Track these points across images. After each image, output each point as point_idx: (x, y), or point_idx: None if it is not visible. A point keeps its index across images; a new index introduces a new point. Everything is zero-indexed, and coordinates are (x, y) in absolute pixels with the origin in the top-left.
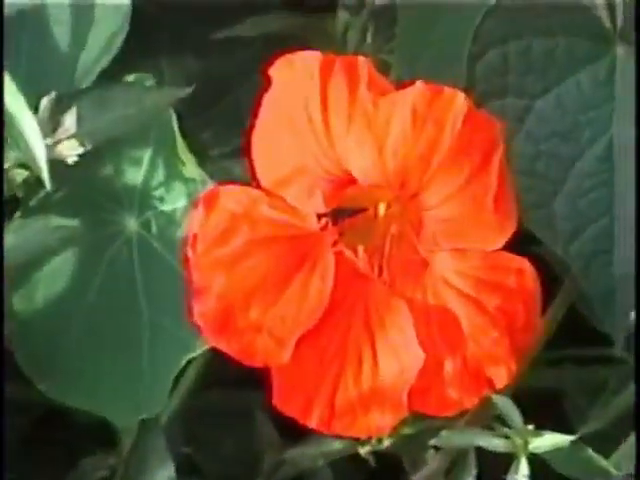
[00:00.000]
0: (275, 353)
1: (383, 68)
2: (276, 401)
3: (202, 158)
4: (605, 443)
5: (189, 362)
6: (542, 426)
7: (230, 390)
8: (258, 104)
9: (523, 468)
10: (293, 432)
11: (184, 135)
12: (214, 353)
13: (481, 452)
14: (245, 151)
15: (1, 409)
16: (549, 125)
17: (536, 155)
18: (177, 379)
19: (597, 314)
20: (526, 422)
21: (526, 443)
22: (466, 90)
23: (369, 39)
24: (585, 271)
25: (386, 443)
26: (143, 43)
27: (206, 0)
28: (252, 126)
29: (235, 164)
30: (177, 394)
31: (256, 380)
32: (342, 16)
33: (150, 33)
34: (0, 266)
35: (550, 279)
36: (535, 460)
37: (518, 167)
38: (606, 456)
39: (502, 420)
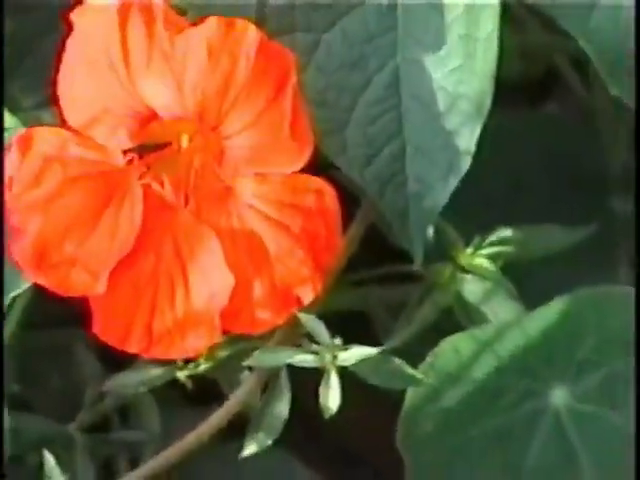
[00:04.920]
0: (90, 284)
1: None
2: (95, 330)
3: (13, 110)
4: (412, 356)
5: (13, 302)
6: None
7: (55, 328)
8: (61, 50)
9: (333, 381)
10: (118, 364)
11: None
12: (37, 295)
13: (295, 370)
14: (53, 98)
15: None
16: (337, 57)
17: (326, 86)
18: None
19: (395, 232)
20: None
21: (334, 357)
22: (259, 26)
23: None
24: (381, 193)
25: (203, 367)
26: None
27: None
28: (57, 71)
29: (45, 113)
30: (3, 333)
31: (79, 317)
32: None
33: None
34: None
35: (349, 200)
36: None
37: (310, 98)
38: (414, 367)
39: (311, 338)
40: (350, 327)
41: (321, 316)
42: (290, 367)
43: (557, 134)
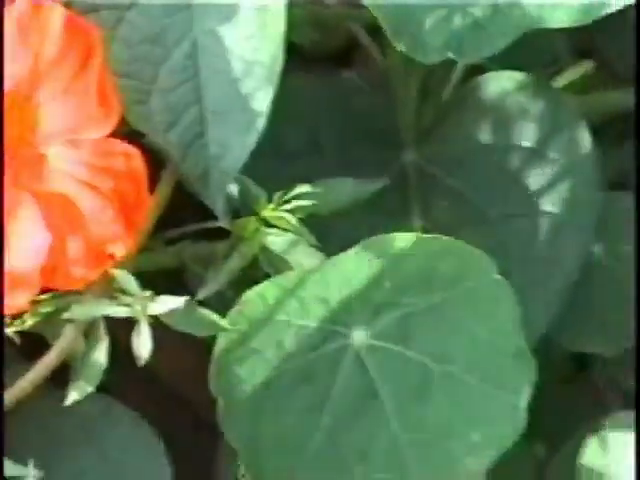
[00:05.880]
0: None
1: None
2: None
3: None
4: (227, 304)
5: None
6: None
7: None
8: None
9: (144, 330)
10: None
11: None
12: None
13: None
14: None
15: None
16: (139, 32)
17: (130, 59)
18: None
19: (199, 192)
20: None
21: (144, 308)
22: (66, 6)
23: None
24: (183, 157)
25: (29, 322)
26: None
27: None
28: None
29: None
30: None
31: None
32: None
33: None
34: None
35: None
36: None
37: (117, 70)
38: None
39: (125, 292)
40: (170, 284)
41: (140, 275)
42: (112, 319)
43: (355, 97)
